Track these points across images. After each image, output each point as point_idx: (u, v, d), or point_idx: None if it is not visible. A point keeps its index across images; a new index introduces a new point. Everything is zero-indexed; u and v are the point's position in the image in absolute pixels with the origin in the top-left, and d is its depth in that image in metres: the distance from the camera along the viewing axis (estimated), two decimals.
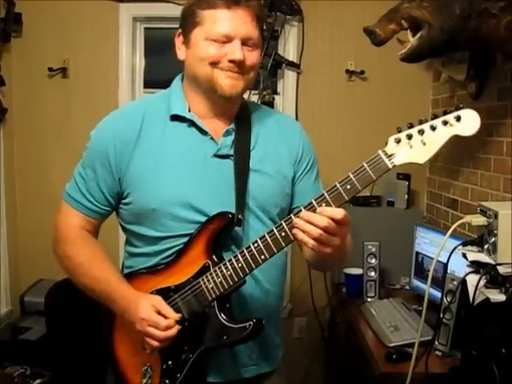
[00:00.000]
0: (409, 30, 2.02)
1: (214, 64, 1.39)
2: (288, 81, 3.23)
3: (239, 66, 1.40)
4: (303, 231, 1.24)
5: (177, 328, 1.37)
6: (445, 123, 1.17)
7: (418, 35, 1.98)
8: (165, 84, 1.61)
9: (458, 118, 1.16)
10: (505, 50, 2.05)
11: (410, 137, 1.19)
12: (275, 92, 3.25)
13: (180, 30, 1.46)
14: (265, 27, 2.54)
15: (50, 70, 3.20)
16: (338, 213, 1.23)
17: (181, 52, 1.47)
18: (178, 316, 1.38)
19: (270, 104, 3.06)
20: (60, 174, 3.06)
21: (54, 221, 1.56)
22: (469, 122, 1.16)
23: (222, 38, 1.38)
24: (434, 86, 3.15)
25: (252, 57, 1.42)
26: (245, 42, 1.40)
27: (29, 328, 2.97)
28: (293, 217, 1.28)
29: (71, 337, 2.69)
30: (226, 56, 1.38)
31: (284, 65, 3.18)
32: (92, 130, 1.53)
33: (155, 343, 1.37)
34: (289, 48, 3.20)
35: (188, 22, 1.42)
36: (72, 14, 3.20)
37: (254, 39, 1.42)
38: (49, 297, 2.84)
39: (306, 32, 3.15)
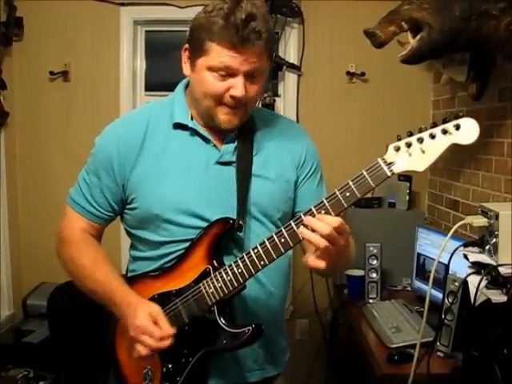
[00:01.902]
0: (409, 32, 2.03)
1: (219, 101, 1.39)
2: (289, 83, 3.24)
3: (239, 101, 1.39)
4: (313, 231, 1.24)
5: (170, 341, 1.36)
6: (444, 132, 1.18)
7: (419, 37, 1.98)
8: (166, 87, 1.61)
9: (458, 127, 1.17)
10: (505, 51, 2.05)
11: (409, 145, 1.21)
12: (276, 94, 3.26)
13: (186, 46, 1.44)
14: None
15: (52, 73, 3.21)
16: (335, 221, 1.24)
17: (186, 67, 1.45)
18: (172, 331, 1.37)
19: (271, 106, 3.07)
20: (62, 177, 3.09)
21: (57, 224, 1.57)
22: (468, 131, 1.17)
23: (225, 70, 1.36)
24: (435, 88, 3.15)
25: (253, 90, 1.40)
26: (249, 76, 1.37)
27: (31, 331, 2.97)
28: (292, 223, 1.29)
29: (74, 339, 2.69)
30: (228, 91, 1.37)
31: (285, 67, 3.18)
32: (93, 133, 1.54)
33: (145, 352, 1.37)
34: (289, 50, 3.20)
35: (195, 46, 1.39)
36: (73, 18, 3.20)
37: (259, 72, 1.40)
38: (51, 300, 2.85)
39: (307, 34, 3.15)
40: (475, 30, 1.93)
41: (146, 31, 3.34)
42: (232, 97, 1.38)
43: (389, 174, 1.22)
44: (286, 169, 1.54)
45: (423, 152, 1.20)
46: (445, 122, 1.19)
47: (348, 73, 3.18)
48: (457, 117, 1.18)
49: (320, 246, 1.24)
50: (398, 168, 1.21)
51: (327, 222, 1.23)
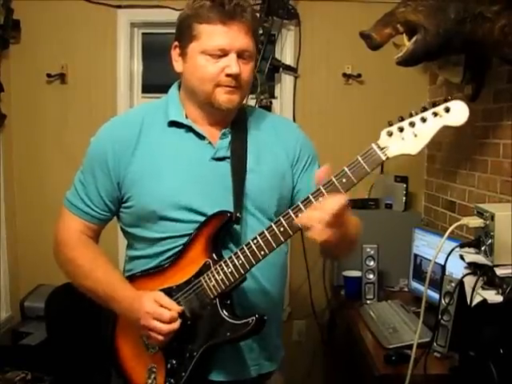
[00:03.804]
0: (404, 34, 2.03)
1: (216, 83, 1.42)
2: (285, 85, 3.24)
3: (236, 80, 1.42)
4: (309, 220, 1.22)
5: (178, 323, 1.39)
6: (435, 114, 1.20)
7: (414, 39, 1.99)
8: (163, 89, 1.62)
9: (447, 109, 1.20)
10: (500, 53, 2.06)
11: (401, 129, 1.23)
12: (272, 96, 3.26)
13: (176, 43, 1.48)
14: (261, 31, 2.56)
15: (49, 75, 3.21)
16: (337, 202, 1.20)
17: (178, 64, 1.49)
18: (180, 308, 1.40)
19: (268, 108, 3.07)
20: (59, 179, 3.06)
21: (54, 227, 1.57)
22: (458, 113, 1.19)
23: (217, 52, 1.40)
24: (431, 89, 3.16)
25: (247, 70, 1.45)
26: (240, 55, 1.42)
27: (29, 333, 2.97)
28: (290, 212, 1.30)
29: (71, 341, 2.70)
30: (223, 71, 1.41)
31: (281, 69, 3.19)
32: (90, 136, 1.56)
33: (160, 337, 1.39)
34: (286, 52, 3.21)
35: (185, 35, 1.44)
36: (70, 20, 3.20)
37: (249, 51, 1.45)
38: (49, 302, 2.85)
39: (303, 36, 3.16)
40: (470, 32, 1.94)
41: (143, 33, 3.34)
42: (228, 75, 1.41)
43: (383, 158, 1.24)
44: (281, 165, 1.56)
45: (415, 136, 1.22)
46: (435, 105, 1.21)
47: (344, 74, 3.19)
48: (446, 100, 1.20)
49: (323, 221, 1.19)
50: (391, 152, 1.24)
51: (324, 210, 1.20)
